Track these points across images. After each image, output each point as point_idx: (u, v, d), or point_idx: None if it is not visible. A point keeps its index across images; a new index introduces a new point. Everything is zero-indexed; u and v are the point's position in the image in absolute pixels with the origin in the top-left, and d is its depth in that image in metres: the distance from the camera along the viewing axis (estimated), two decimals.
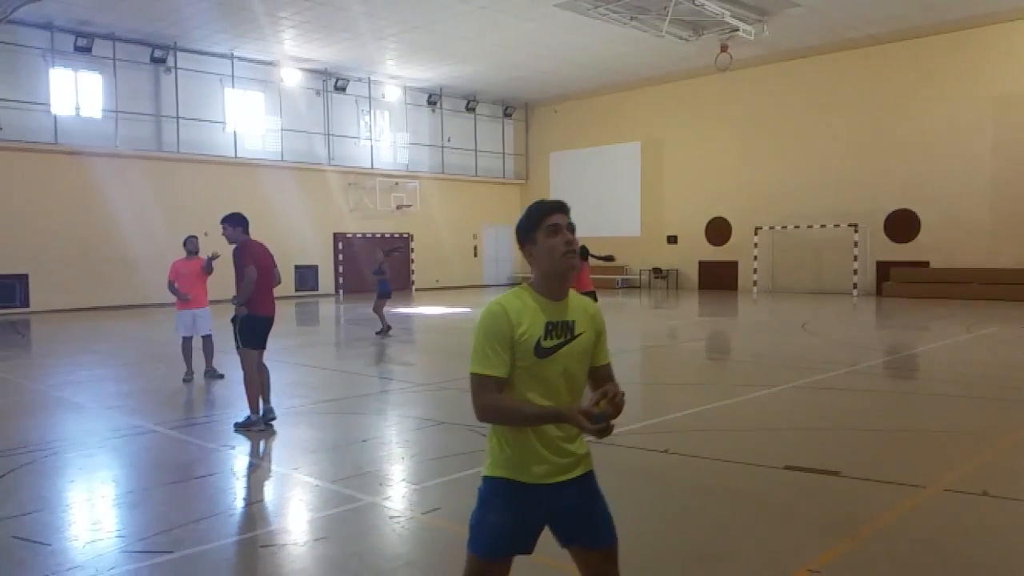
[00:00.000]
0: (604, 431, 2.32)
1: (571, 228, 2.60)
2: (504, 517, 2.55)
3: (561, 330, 2.55)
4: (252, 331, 7.39)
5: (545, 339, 2.51)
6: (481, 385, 2.47)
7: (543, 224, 2.57)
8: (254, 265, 7.31)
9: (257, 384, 7.38)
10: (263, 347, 7.52)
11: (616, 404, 2.34)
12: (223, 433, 7.34)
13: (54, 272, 21.65)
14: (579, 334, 2.59)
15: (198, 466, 6.35)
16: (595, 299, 13.00)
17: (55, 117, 21.86)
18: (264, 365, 7.53)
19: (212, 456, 6.66)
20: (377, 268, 15.52)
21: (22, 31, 20.90)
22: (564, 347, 2.55)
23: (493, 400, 2.46)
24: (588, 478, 2.67)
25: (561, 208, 2.60)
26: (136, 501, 5.39)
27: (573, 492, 2.61)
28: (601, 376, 2.70)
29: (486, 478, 2.62)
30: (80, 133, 22.28)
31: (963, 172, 23.22)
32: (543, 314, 2.53)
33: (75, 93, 22.35)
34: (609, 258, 13.63)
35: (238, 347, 7.43)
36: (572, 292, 2.64)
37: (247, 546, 4.60)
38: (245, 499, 5.59)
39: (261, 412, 7.47)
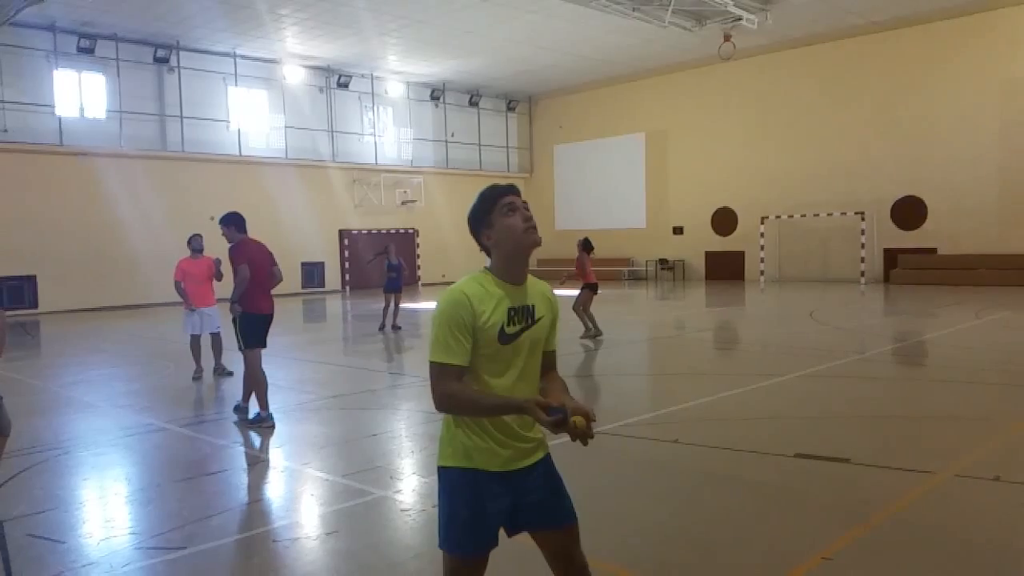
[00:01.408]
0: (560, 423, 2.28)
1: (526, 207, 2.57)
2: (476, 509, 2.50)
3: (523, 315, 2.53)
4: (252, 331, 7.42)
5: (508, 325, 2.48)
6: (441, 374, 2.42)
7: (498, 205, 2.53)
8: (247, 264, 7.34)
9: (264, 382, 7.42)
10: (263, 345, 7.55)
11: (588, 429, 2.32)
12: (233, 430, 7.36)
13: (61, 273, 21.74)
14: (539, 318, 2.58)
15: (209, 463, 6.38)
16: (596, 291, 13.04)
17: (60, 118, 21.93)
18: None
19: (223, 453, 6.69)
20: (398, 262, 15.49)
21: (25, 33, 20.95)
22: (526, 332, 2.53)
23: (452, 389, 2.41)
24: (547, 461, 2.66)
25: (514, 190, 2.58)
26: (148, 498, 5.42)
27: (537, 476, 2.60)
28: (546, 363, 2.68)
29: (447, 469, 2.55)
30: (85, 134, 22.34)
31: (970, 158, 23.10)
32: (505, 300, 2.49)
33: (79, 94, 22.41)
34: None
35: (240, 347, 7.47)
36: (529, 276, 2.61)
37: (259, 541, 4.61)
38: (256, 495, 5.61)
39: (234, 407, 7.68)
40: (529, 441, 2.58)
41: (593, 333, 12.88)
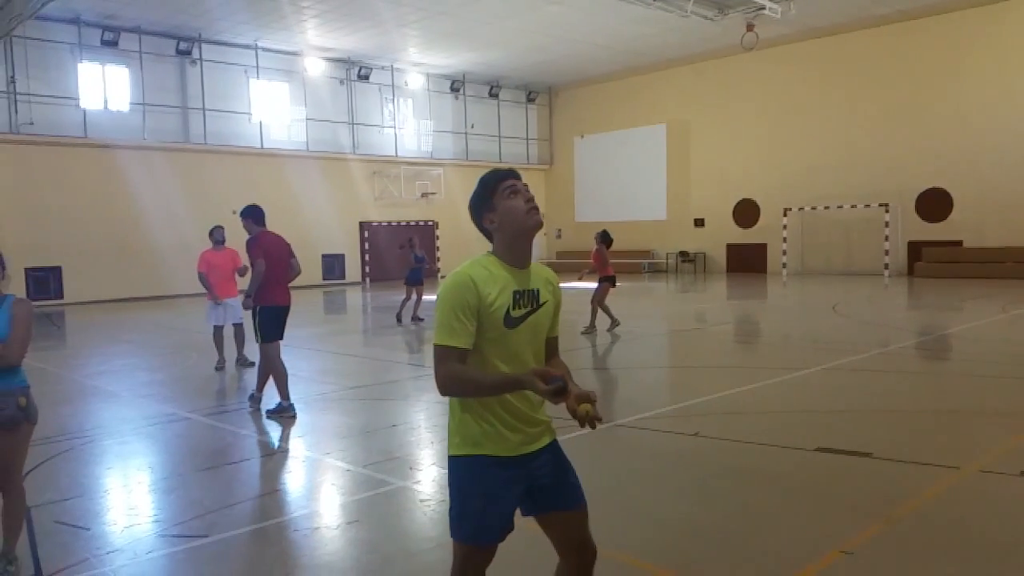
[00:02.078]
0: (559, 392, 2.27)
1: (527, 190, 2.58)
2: (488, 498, 2.50)
3: (528, 299, 2.53)
4: (270, 323, 7.48)
5: (514, 308, 2.48)
6: (444, 356, 2.41)
7: (499, 189, 2.55)
8: (263, 258, 7.38)
9: (284, 372, 7.47)
10: (281, 337, 7.60)
11: (590, 418, 2.33)
12: (255, 420, 7.43)
13: (86, 264, 22.02)
14: (544, 302, 2.59)
15: (231, 452, 6.45)
16: (614, 284, 13.00)
17: (84, 111, 22.16)
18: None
19: (245, 442, 6.75)
20: (421, 255, 15.56)
21: (50, 26, 21.18)
22: (531, 316, 2.53)
23: (454, 370, 2.40)
24: (555, 445, 2.68)
25: (515, 174, 2.59)
26: (171, 487, 5.48)
27: (547, 460, 2.61)
28: (549, 349, 2.69)
29: (457, 458, 2.55)
30: (109, 126, 22.56)
31: (997, 149, 22.72)
32: (511, 283, 2.50)
33: (103, 87, 22.63)
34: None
35: (258, 341, 7.55)
36: (533, 262, 2.61)
37: (281, 530, 4.65)
38: (277, 484, 5.66)
39: (249, 396, 7.80)
40: (537, 424, 2.59)
41: (609, 326, 12.87)
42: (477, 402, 2.50)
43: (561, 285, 2.74)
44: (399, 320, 15.19)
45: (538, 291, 2.58)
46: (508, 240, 2.55)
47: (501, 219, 2.54)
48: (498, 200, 2.54)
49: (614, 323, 12.91)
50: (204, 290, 10.53)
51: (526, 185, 2.60)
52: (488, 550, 2.57)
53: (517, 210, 2.52)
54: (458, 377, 2.41)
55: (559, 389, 2.28)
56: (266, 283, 7.39)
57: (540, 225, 2.56)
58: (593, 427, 2.36)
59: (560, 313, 2.74)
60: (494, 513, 2.51)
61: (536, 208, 2.55)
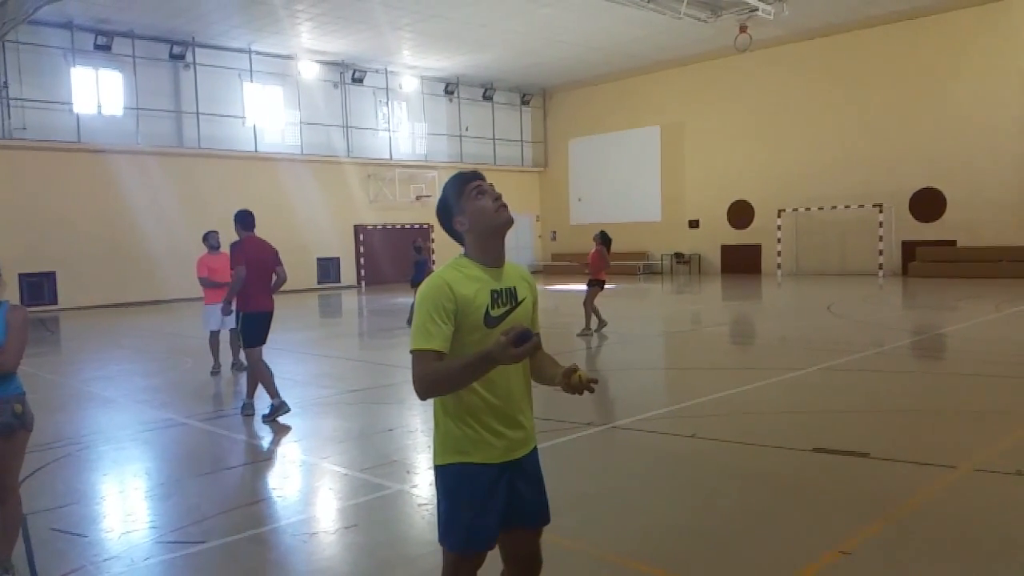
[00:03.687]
0: (521, 340, 2.21)
1: (494, 189, 2.59)
2: (477, 507, 2.48)
3: (506, 297, 2.53)
4: (252, 329, 7.48)
5: (493, 308, 2.48)
6: (420, 359, 2.38)
7: (466, 191, 2.55)
8: (244, 264, 7.38)
9: (269, 376, 7.46)
10: (263, 342, 7.60)
11: (585, 382, 2.37)
12: (251, 425, 7.41)
13: (80, 269, 21.94)
14: (522, 300, 2.58)
15: (228, 457, 6.44)
16: (602, 287, 13.02)
17: (77, 116, 22.10)
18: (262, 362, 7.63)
19: (241, 447, 6.74)
20: (424, 258, 15.67)
21: (43, 31, 21.12)
22: (510, 314, 2.52)
23: (428, 370, 2.36)
24: (536, 455, 2.66)
25: (480, 176, 2.60)
26: (168, 492, 5.46)
27: (530, 469, 2.60)
28: None
29: (444, 467, 2.54)
30: (102, 131, 22.51)
31: (990, 149, 22.82)
32: (487, 283, 2.49)
33: (96, 91, 22.57)
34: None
35: (242, 346, 7.61)
36: (506, 260, 2.61)
37: (278, 535, 4.64)
38: (275, 489, 5.64)
39: (241, 406, 7.80)
40: (520, 428, 2.56)
41: (597, 327, 12.89)
42: (459, 405, 2.49)
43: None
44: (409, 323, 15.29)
45: (515, 288, 2.57)
46: (480, 240, 2.54)
47: (471, 220, 2.54)
48: (466, 202, 2.54)
49: (601, 324, 12.94)
50: (201, 295, 10.51)
51: (492, 185, 2.60)
52: (478, 557, 2.57)
53: (486, 209, 2.52)
54: (431, 374, 2.36)
55: (521, 335, 2.21)
56: (247, 289, 7.39)
57: (510, 222, 2.55)
58: (591, 391, 2.39)
59: (538, 310, 2.74)
60: (483, 522, 2.50)
61: (505, 206, 2.54)
